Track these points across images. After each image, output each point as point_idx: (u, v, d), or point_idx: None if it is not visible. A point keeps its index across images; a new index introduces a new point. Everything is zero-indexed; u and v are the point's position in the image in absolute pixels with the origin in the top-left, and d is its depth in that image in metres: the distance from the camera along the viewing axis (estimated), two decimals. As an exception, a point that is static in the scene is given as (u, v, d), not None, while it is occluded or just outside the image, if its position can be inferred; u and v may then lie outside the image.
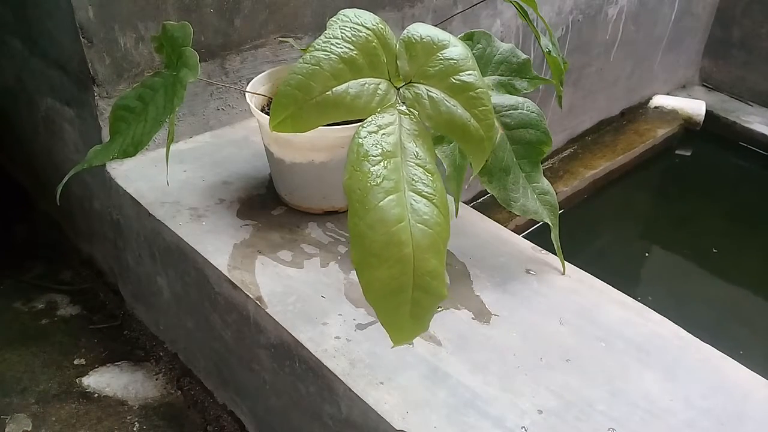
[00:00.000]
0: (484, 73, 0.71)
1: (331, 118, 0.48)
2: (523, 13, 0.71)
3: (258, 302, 0.66)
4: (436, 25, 0.54)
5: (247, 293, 0.67)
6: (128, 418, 0.84)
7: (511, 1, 0.71)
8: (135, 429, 0.83)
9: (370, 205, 0.45)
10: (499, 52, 0.71)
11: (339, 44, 0.48)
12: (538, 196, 0.71)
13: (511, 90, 0.71)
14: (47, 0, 0.81)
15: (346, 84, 0.48)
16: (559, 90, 0.74)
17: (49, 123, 0.99)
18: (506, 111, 0.69)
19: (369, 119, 0.48)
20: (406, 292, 0.47)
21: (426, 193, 0.47)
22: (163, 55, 0.65)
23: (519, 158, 0.70)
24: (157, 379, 0.89)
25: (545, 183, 0.72)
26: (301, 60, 0.47)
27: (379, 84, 0.49)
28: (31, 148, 1.11)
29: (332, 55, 0.47)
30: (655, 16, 1.72)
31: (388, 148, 0.47)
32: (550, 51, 0.71)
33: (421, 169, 0.48)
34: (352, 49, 0.48)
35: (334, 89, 0.47)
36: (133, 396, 0.87)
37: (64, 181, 0.68)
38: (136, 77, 0.84)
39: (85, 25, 0.77)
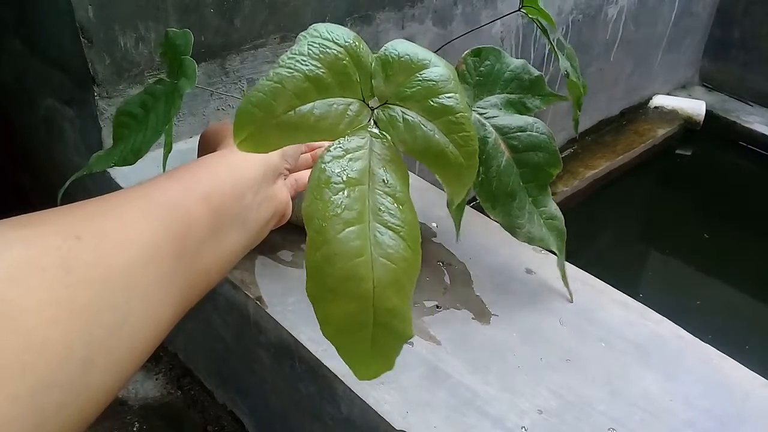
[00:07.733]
0: (492, 92, 0.67)
1: (295, 140, 0.45)
2: (544, 31, 0.68)
3: (258, 302, 0.66)
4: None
5: (247, 293, 0.67)
6: (128, 418, 0.84)
7: (533, 20, 0.68)
8: (135, 429, 0.83)
9: (328, 237, 0.41)
10: (509, 69, 0.67)
11: (305, 61, 0.44)
12: (545, 221, 0.68)
13: (522, 109, 0.67)
14: (47, 0, 0.81)
15: (311, 104, 0.44)
16: (576, 114, 0.71)
17: (49, 123, 0.99)
18: (514, 133, 0.66)
19: (335, 143, 0.44)
20: (366, 330, 0.43)
21: (392, 225, 0.43)
22: (167, 62, 0.65)
23: (526, 182, 0.67)
24: (157, 379, 0.89)
25: (553, 207, 0.68)
26: (264, 77, 0.44)
27: (350, 105, 0.45)
28: (31, 148, 1.11)
29: (296, 73, 0.43)
30: (655, 16, 1.72)
31: (354, 175, 0.43)
32: (568, 74, 0.67)
33: (390, 198, 0.44)
34: (319, 67, 0.44)
35: (297, 109, 0.43)
36: (133, 396, 0.87)
37: (66, 185, 0.68)
38: (136, 77, 0.84)
39: (85, 25, 0.77)
